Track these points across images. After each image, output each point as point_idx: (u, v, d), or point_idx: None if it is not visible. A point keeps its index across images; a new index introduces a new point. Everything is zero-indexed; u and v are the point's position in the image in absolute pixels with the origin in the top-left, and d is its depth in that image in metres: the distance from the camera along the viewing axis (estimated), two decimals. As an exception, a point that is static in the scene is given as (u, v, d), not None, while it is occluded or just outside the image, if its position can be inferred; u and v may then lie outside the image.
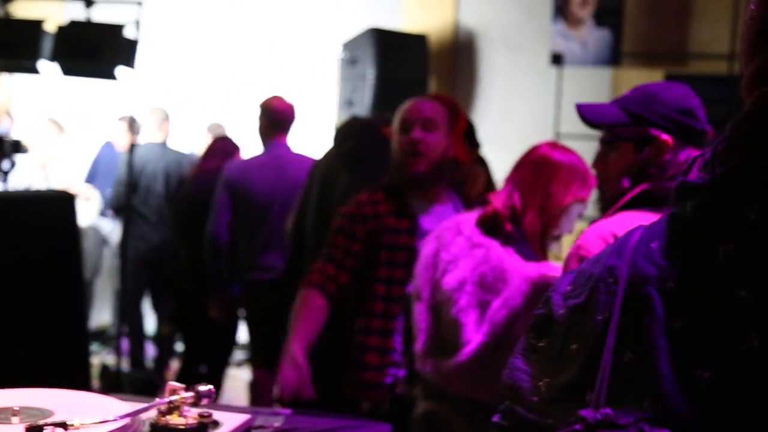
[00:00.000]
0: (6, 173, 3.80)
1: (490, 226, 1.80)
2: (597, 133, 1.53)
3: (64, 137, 4.82)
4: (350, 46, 4.41)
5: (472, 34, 4.94)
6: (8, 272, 1.40)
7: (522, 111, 4.73)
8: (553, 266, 1.72)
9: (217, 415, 0.95)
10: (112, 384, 3.88)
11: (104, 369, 4.08)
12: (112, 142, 4.69)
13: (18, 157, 3.88)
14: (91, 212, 4.61)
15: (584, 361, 0.56)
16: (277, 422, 1.30)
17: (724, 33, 4.28)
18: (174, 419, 0.90)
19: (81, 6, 3.99)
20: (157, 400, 0.91)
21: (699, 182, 0.55)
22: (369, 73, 4.26)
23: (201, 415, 0.90)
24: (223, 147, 3.78)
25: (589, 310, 0.58)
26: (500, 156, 3.22)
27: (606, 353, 0.54)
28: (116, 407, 0.93)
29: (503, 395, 0.67)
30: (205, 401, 0.96)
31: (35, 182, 4.52)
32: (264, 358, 3.33)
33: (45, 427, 0.82)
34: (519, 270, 1.72)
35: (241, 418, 0.98)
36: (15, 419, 0.89)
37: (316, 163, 2.91)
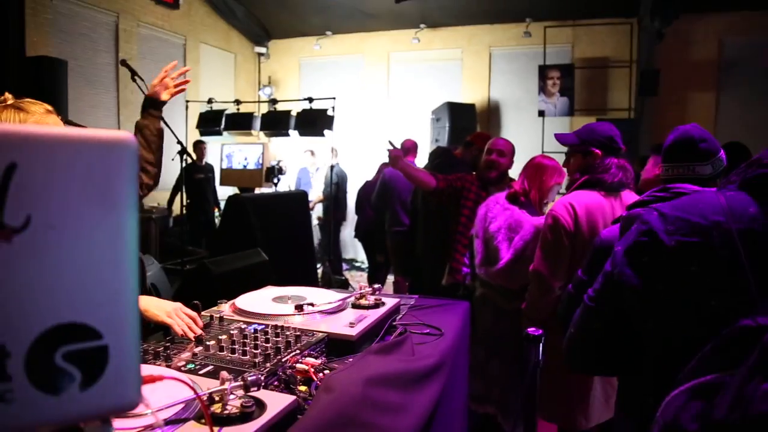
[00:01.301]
0: (276, 184, 7.90)
1: (512, 198, 2.78)
2: (564, 149, 2.63)
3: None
4: (436, 111, 8.58)
5: (498, 101, 9.18)
6: (283, 229, 4.88)
7: (524, 139, 8.84)
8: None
9: (384, 299, 1.88)
10: (326, 283, 7.79)
11: (323, 274, 8.08)
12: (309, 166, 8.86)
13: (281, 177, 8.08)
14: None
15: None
16: (412, 301, 2.24)
17: (625, 97, 8.42)
18: (362, 302, 1.84)
19: (306, 104, 8.26)
20: (351, 294, 1.85)
21: None
22: (446, 125, 8.36)
23: (376, 300, 1.87)
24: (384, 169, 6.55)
25: (708, 246, 0.94)
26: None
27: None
28: (334, 296, 1.86)
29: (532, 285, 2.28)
30: (377, 293, 1.90)
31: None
32: (401, 270, 5.71)
33: (305, 306, 1.68)
34: (529, 220, 2.64)
35: (394, 300, 1.90)
36: (289, 302, 1.81)
37: (423, 168, 4.51)
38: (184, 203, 7.02)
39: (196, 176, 7.01)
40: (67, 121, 3.22)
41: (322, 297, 1.87)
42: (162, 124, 2.08)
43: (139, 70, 8.06)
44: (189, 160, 4.35)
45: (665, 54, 7.96)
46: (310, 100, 7.52)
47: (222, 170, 7.25)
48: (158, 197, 7.33)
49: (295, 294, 1.93)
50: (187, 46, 8.97)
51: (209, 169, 7.40)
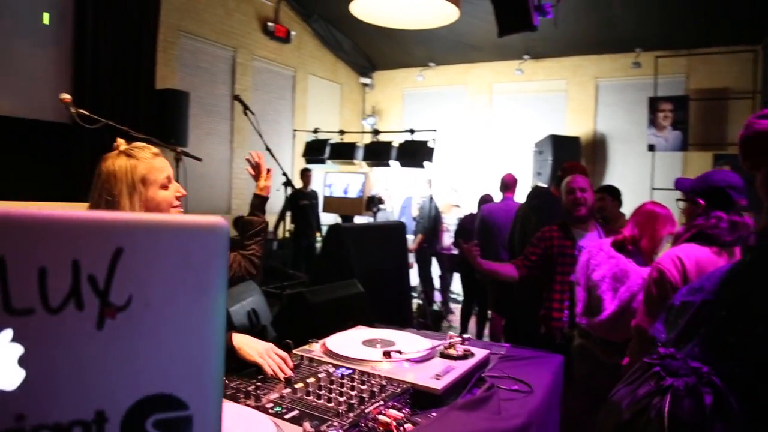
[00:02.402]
0: (375, 213, 8.06)
1: (619, 246, 2.68)
2: (669, 184, 2.85)
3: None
4: (539, 144, 8.41)
5: (604, 134, 8.85)
6: (381, 260, 4.70)
7: (632, 175, 8.45)
8: None
9: (473, 349, 1.80)
10: (421, 314, 7.75)
11: (418, 306, 8.07)
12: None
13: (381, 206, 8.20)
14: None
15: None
16: (503, 351, 2.10)
17: (747, 130, 7.80)
18: (451, 351, 1.79)
19: (408, 135, 8.37)
20: (440, 343, 1.78)
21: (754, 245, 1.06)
22: (549, 158, 8.15)
23: (465, 351, 1.79)
24: (485, 198, 6.57)
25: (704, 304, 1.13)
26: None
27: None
28: (423, 343, 1.83)
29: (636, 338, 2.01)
30: (466, 342, 1.84)
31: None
32: (498, 307, 5.53)
33: (392, 353, 1.66)
34: (636, 271, 2.55)
35: (483, 352, 1.85)
36: (378, 346, 1.82)
37: (518, 209, 4.56)
38: (288, 228, 7.33)
39: (300, 202, 7.29)
40: (183, 152, 3.47)
41: (411, 343, 1.87)
42: (263, 219, 2.22)
43: (251, 101, 8.59)
44: (291, 190, 4.53)
45: (794, 84, 7.35)
46: (412, 131, 7.64)
47: (325, 197, 7.48)
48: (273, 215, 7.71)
49: (385, 338, 1.95)
50: (296, 78, 9.43)
51: (313, 195, 7.67)
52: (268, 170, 2.25)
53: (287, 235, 6.41)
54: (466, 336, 1.88)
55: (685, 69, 8.34)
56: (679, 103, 8.11)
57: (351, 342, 1.88)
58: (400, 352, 1.72)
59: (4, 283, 0.54)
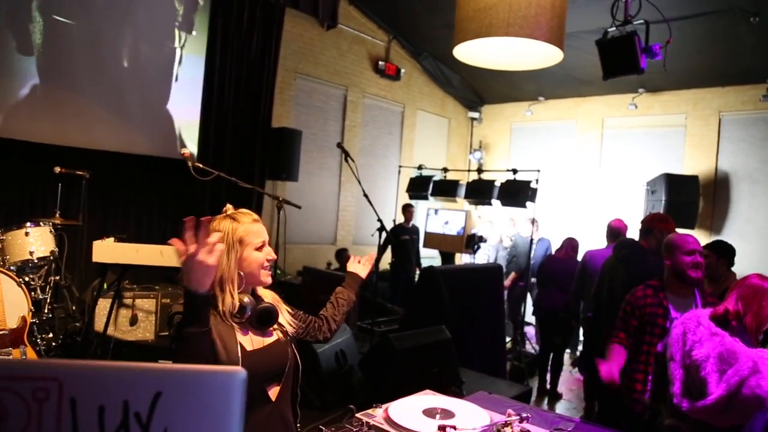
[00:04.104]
0: (475, 251, 8.05)
1: (721, 320, 2.46)
2: None
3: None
4: (651, 182, 8.02)
5: (728, 173, 8.27)
6: (475, 304, 4.85)
7: (759, 218, 7.82)
8: (766, 352, 2.24)
9: (532, 429, 1.75)
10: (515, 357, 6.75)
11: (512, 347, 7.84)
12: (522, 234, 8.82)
13: (482, 245, 8.16)
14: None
15: None
16: (570, 427, 1.93)
17: None
18: (509, 430, 1.73)
19: (510, 174, 8.25)
20: (497, 420, 1.72)
21: None
22: (662, 198, 7.70)
23: (522, 430, 1.70)
24: (571, 244, 6.27)
25: None
26: (742, 243, 6.49)
27: None
28: (482, 417, 1.78)
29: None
30: (525, 421, 1.76)
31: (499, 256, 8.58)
32: (580, 361, 5.48)
33: (447, 428, 1.59)
34: (745, 353, 2.30)
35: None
36: (437, 417, 1.76)
37: (606, 261, 4.38)
38: (390, 261, 7.55)
39: (402, 237, 7.49)
40: (284, 201, 3.76)
41: (470, 416, 1.93)
42: (354, 296, 2.42)
43: (360, 136, 8.98)
44: (384, 234, 4.71)
45: None
46: (514, 171, 7.61)
47: (426, 233, 7.63)
48: (367, 252, 7.98)
49: (446, 407, 2.02)
50: (405, 113, 9.73)
51: (415, 231, 7.85)
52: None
53: (387, 268, 6.60)
54: (525, 415, 1.92)
55: (822, 101, 7.65)
56: (816, 140, 7.44)
57: (412, 410, 1.98)
58: (455, 428, 1.80)
59: (74, 419, 0.73)
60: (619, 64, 5.39)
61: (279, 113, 7.59)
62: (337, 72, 8.51)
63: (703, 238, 7.68)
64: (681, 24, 6.47)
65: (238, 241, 1.80)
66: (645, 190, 8.09)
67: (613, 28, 5.48)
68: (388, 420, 1.90)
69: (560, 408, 5.69)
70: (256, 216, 1.96)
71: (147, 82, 6.26)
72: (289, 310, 2.05)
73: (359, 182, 4.27)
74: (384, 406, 2.03)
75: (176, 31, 6.48)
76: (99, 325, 4.06)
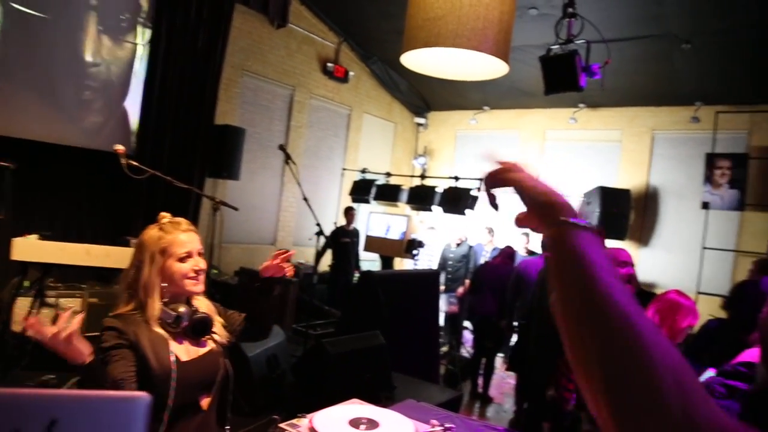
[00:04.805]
0: (415, 256, 8.17)
1: None
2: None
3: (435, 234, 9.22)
4: (587, 195, 8.31)
5: (657, 188, 8.66)
6: (411, 308, 4.95)
7: (684, 232, 8.22)
8: None
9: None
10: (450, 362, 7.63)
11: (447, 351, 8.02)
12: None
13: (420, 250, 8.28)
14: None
15: None
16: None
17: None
18: None
19: (452, 181, 8.48)
20: (422, 430, 1.73)
21: None
22: (596, 209, 8.02)
23: None
24: (507, 251, 6.45)
25: None
26: (667, 255, 6.81)
27: None
28: (406, 427, 1.86)
29: None
30: (449, 430, 1.91)
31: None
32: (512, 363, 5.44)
33: None
34: None
35: None
36: (361, 427, 1.83)
37: (541, 271, 4.80)
38: (329, 264, 7.53)
39: (342, 239, 7.49)
40: (220, 202, 3.70)
41: (395, 426, 1.96)
42: (306, 254, 2.37)
43: (306, 137, 8.90)
44: (323, 239, 4.70)
45: None
46: (456, 178, 7.74)
47: (367, 236, 7.65)
48: (307, 254, 7.92)
49: (372, 417, 2.04)
50: (351, 116, 9.73)
51: (355, 234, 7.86)
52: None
53: (327, 270, 6.59)
54: (448, 425, 1.96)
55: (747, 125, 8.09)
56: (738, 161, 7.86)
57: (337, 421, 1.99)
58: (377, 438, 1.82)
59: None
60: (560, 80, 5.58)
61: (223, 110, 7.45)
62: (285, 71, 8.43)
63: (632, 249, 8.03)
64: (620, 45, 6.74)
65: (160, 251, 1.83)
66: (581, 201, 8.37)
67: (557, 46, 5.66)
68: (313, 431, 1.90)
69: (491, 411, 5.82)
70: (188, 225, 1.96)
71: (86, 72, 6.01)
72: (222, 320, 2.05)
73: (299, 185, 4.25)
74: (309, 416, 2.03)
75: (136, 26, 6.26)
76: (18, 325, 3.87)
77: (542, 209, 0.77)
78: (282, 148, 4.49)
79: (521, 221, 0.81)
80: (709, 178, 7.95)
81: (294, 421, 2.01)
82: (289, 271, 2.29)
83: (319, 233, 4.47)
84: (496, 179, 0.85)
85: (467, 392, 6.08)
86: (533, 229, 0.78)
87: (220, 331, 1.97)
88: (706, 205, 7.87)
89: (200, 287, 1.91)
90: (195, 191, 4.04)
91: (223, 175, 6.93)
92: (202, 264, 1.92)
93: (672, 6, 6.55)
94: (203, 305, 1.97)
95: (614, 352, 0.58)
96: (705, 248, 7.76)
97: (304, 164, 8.70)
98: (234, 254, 7.58)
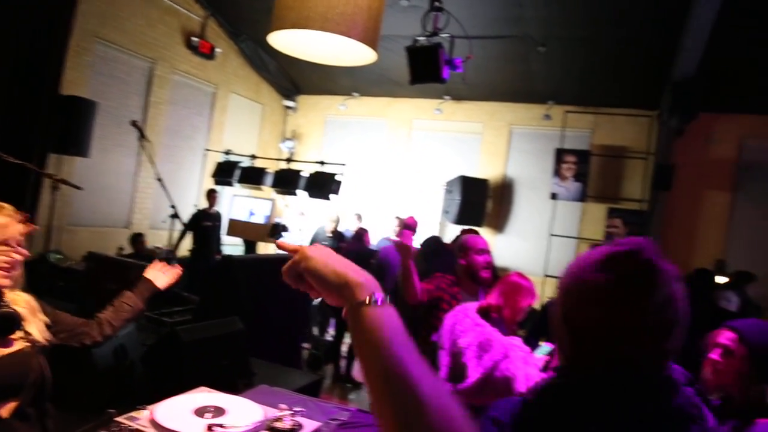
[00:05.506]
0: (277, 240, 8.03)
1: (484, 313, 2.72)
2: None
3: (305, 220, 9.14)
4: (449, 183, 8.69)
5: (512, 179, 9.25)
6: (274, 293, 4.75)
7: (535, 219, 8.87)
8: (517, 340, 2.64)
9: (303, 421, 1.81)
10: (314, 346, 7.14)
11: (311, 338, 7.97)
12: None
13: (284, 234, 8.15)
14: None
15: None
16: (345, 416, 2.00)
17: (639, 188, 8.40)
18: (278, 424, 1.77)
19: (318, 166, 8.42)
20: (271, 415, 1.76)
21: None
22: (457, 197, 8.42)
23: (294, 424, 1.82)
24: (359, 233, 6.79)
25: None
26: (519, 241, 7.30)
27: None
28: (255, 413, 1.81)
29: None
30: (297, 415, 1.82)
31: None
32: None
33: (215, 427, 1.61)
34: (500, 340, 2.59)
35: (314, 425, 1.79)
36: (206, 416, 1.71)
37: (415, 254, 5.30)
38: (189, 248, 7.20)
39: (203, 223, 7.17)
40: (61, 180, 3.39)
41: (243, 414, 1.90)
42: (143, 305, 2.26)
43: (167, 114, 8.42)
44: (178, 223, 4.47)
45: (683, 150, 7.94)
46: (322, 163, 7.74)
47: (230, 220, 7.40)
48: (162, 238, 7.46)
49: (220, 405, 1.96)
50: (217, 95, 9.33)
51: (217, 217, 7.55)
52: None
53: (187, 254, 6.28)
54: (297, 409, 1.93)
55: (591, 125, 8.87)
56: (582, 157, 8.62)
57: (181, 411, 1.89)
58: (222, 426, 1.75)
59: None
60: (425, 71, 5.73)
61: (72, 79, 6.79)
62: (145, 43, 7.87)
63: (489, 236, 8.51)
64: (482, 43, 7.07)
65: None
66: (444, 189, 8.72)
67: (423, 38, 5.81)
68: (154, 423, 1.79)
69: (354, 394, 5.90)
70: (9, 213, 1.77)
71: None
72: (46, 319, 1.87)
73: (152, 164, 4.00)
74: (150, 407, 1.91)
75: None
76: None
77: (338, 291, 0.80)
78: (135, 124, 4.19)
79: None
80: (557, 172, 8.64)
81: (133, 413, 1.88)
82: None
83: (174, 216, 4.24)
84: (291, 275, 0.88)
85: (330, 376, 6.12)
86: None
87: (39, 331, 1.79)
88: (554, 196, 8.57)
89: (7, 282, 1.73)
90: (28, 167, 3.64)
91: (70, 151, 6.33)
92: (16, 255, 1.74)
93: (531, 10, 6.98)
94: (22, 301, 1.78)
95: (400, 407, 0.69)
96: (552, 235, 8.42)
97: (163, 143, 8.21)
98: (82, 238, 6.99)
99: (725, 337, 1.92)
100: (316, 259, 0.84)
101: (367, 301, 0.76)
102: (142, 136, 3.97)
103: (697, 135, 7.89)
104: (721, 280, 6.30)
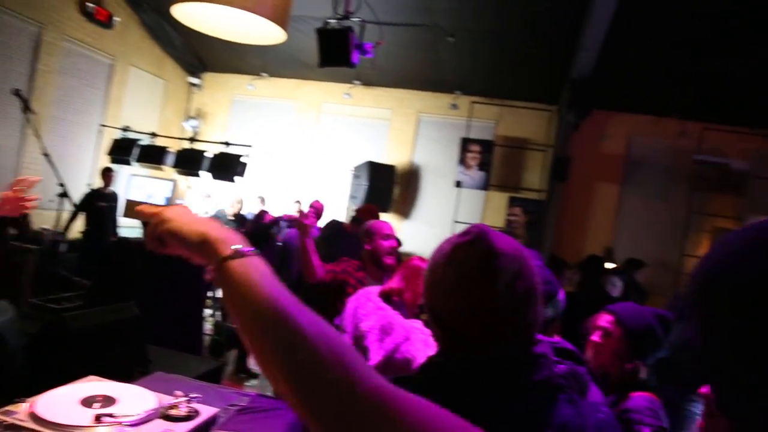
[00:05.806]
0: None
1: (386, 297, 2.73)
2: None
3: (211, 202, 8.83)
4: (357, 168, 8.70)
5: (419, 166, 9.40)
6: (174, 277, 4.76)
7: (440, 206, 9.08)
8: (418, 323, 2.54)
9: (201, 407, 1.75)
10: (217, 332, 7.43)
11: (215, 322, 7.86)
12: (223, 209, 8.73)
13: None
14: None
15: None
16: (244, 402, 1.99)
17: (538, 178, 8.81)
18: (173, 412, 1.70)
19: (223, 146, 8.15)
20: (165, 403, 1.68)
21: None
22: (365, 183, 8.47)
23: (190, 410, 1.75)
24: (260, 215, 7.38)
25: None
26: (425, 227, 7.45)
27: None
28: (148, 401, 1.72)
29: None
30: (193, 401, 1.77)
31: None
32: None
33: (104, 417, 1.51)
34: (402, 323, 2.60)
35: (211, 411, 1.74)
36: (95, 406, 1.60)
37: (316, 238, 4.58)
38: (82, 230, 6.76)
39: (98, 203, 6.75)
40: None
41: (135, 403, 1.80)
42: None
43: (56, 85, 7.84)
44: (67, 202, 4.18)
45: (579, 144, 8.40)
46: (227, 144, 7.51)
47: (127, 201, 7.01)
48: (49, 218, 6.94)
49: (109, 394, 1.85)
50: (115, 67, 8.77)
51: (113, 197, 7.13)
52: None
53: (79, 236, 5.88)
54: (194, 395, 1.86)
55: (495, 116, 9.16)
56: (486, 147, 8.90)
57: (67, 402, 1.76)
58: (112, 416, 1.65)
59: None
60: (335, 54, 5.67)
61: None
62: (31, 4, 7.23)
63: (395, 221, 8.62)
64: (393, 29, 7.09)
65: None
66: (352, 174, 8.72)
67: (334, 21, 5.74)
68: (34, 417, 1.66)
69: (257, 381, 5.80)
70: None
71: None
72: None
73: (38, 138, 3.70)
74: (30, 399, 1.77)
75: None
76: None
77: (201, 249, 0.77)
78: (18, 93, 3.85)
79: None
80: (462, 160, 8.87)
81: (9, 407, 1.73)
82: (30, 205, 1.95)
83: (63, 195, 3.95)
84: (155, 239, 0.83)
85: (233, 362, 5.98)
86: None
87: None
88: (459, 184, 8.80)
89: None
90: None
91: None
92: None
93: (442, 1, 7.08)
94: None
95: (279, 342, 0.65)
96: (456, 222, 8.64)
97: (53, 115, 7.63)
98: (-44, 216, 6.36)
99: (604, 320, 2.10)
100: (174, 220, 0.80)
101: (231, 254, 0.72)
102: (26, 107, 3.66)
103: (591, 130, 8.38)
104: (609, 266, 6.75)
